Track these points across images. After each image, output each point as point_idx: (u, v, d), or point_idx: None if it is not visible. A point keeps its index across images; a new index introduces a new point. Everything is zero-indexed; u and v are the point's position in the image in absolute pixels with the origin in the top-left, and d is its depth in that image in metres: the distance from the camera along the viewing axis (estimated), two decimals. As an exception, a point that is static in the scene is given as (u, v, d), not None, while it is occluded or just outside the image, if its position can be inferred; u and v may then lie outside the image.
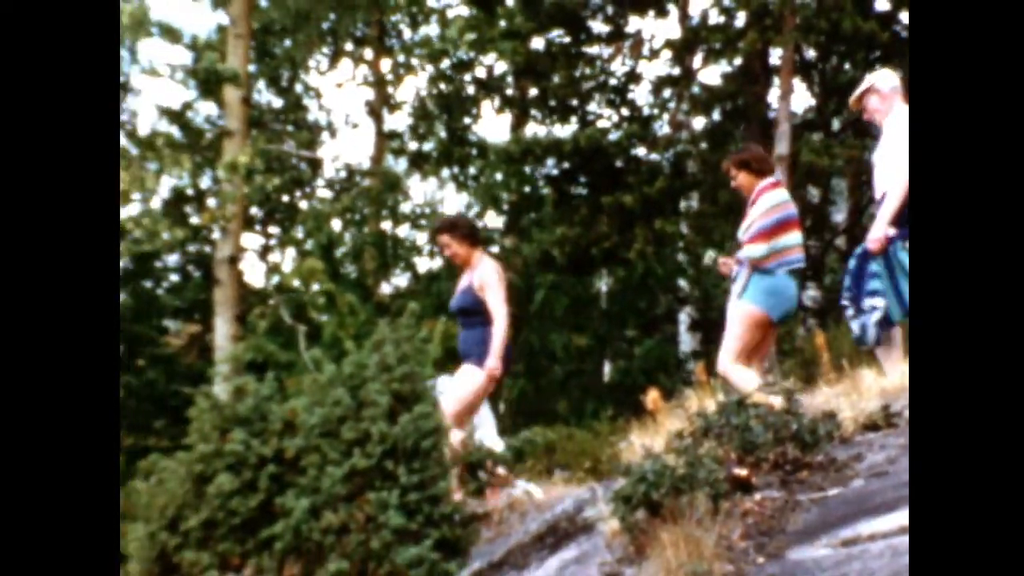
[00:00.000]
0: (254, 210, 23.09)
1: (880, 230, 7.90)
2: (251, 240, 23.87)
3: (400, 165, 25.64)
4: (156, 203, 19.12)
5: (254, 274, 24.60)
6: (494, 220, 21.33)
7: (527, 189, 19.80)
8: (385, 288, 22.74)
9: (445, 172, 24.45)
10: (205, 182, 21.75)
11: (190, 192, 22.19)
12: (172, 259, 22.38)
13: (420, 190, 28.11)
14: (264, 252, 25.25)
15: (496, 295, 8.52)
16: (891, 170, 8.11)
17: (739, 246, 8.42)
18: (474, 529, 4.94)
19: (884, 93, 8.63)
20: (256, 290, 23.20)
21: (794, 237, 8.42)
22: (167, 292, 22.69)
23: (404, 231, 23.74)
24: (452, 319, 16.96)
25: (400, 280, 23.54)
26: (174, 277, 22.90)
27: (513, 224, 21.07)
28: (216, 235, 18.60)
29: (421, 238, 23.58)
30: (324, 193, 25.47)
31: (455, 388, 8.46)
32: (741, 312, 8.17)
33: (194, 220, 22.14)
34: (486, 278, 8.67)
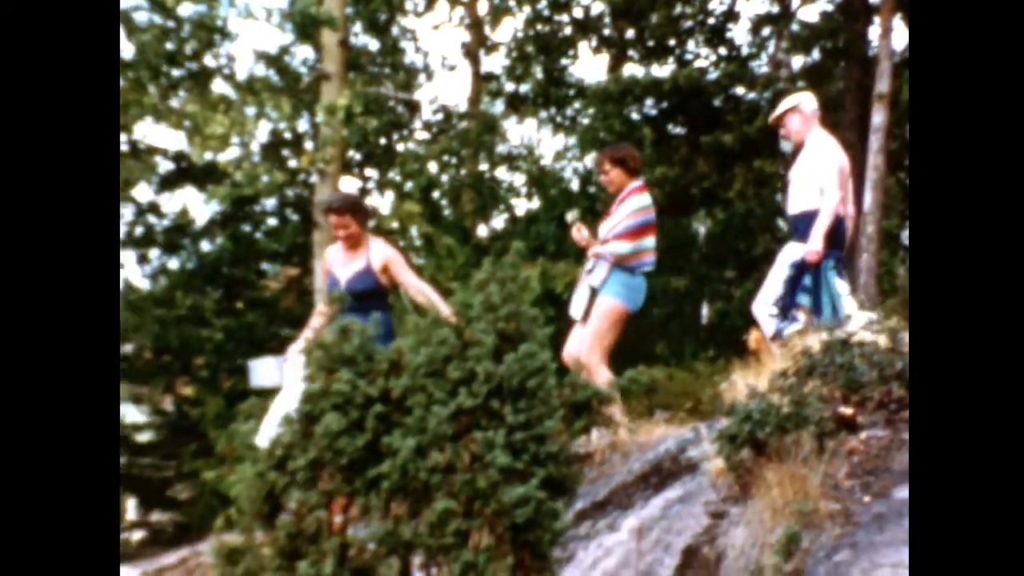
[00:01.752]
0: (352, 153, 23.14)
1: (818, 243, 8.43)
2: (349, 183, 23.95)
3: (497, 107, 25.55)
4: (255, 147, 19.24)
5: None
6: (591, 162, 21.24)
7: (625, 130, 19.63)
8: (482, 230, 22.75)
9: (542, 113, 24.34)
10: (303, 126, 21.82)
11: (288, 136, 22.28)
12: (270, 203, 22.53)
13: (517, 132, 28.07)
14: (362, 195, 25.32)
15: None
16: (821, 188, 8.68)
17: (602, 241, 8.88)
18: (579, 469, 4.93)
19: (806, 115, 9.17)
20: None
21: (652, 241, 8.90)
22: (266, 236, 22.86)
23: (501, 173, 23.69)
24: (550, 260, 16.98)
25: (497, 222, 23.55)
26: (272, 221, 23.05)
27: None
28: (314, 178, 18.71)
29: (519, 179, 23.53)
30: (422, 135, 25.46)
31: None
32: (607, 307, 8.73)
33: (292, 164, 22.29)
34: (390, 257, 8.73)
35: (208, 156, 18.27)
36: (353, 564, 4.53)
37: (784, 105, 9.31)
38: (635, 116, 20.83)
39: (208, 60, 19.14)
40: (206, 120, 16.78)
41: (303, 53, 23.12)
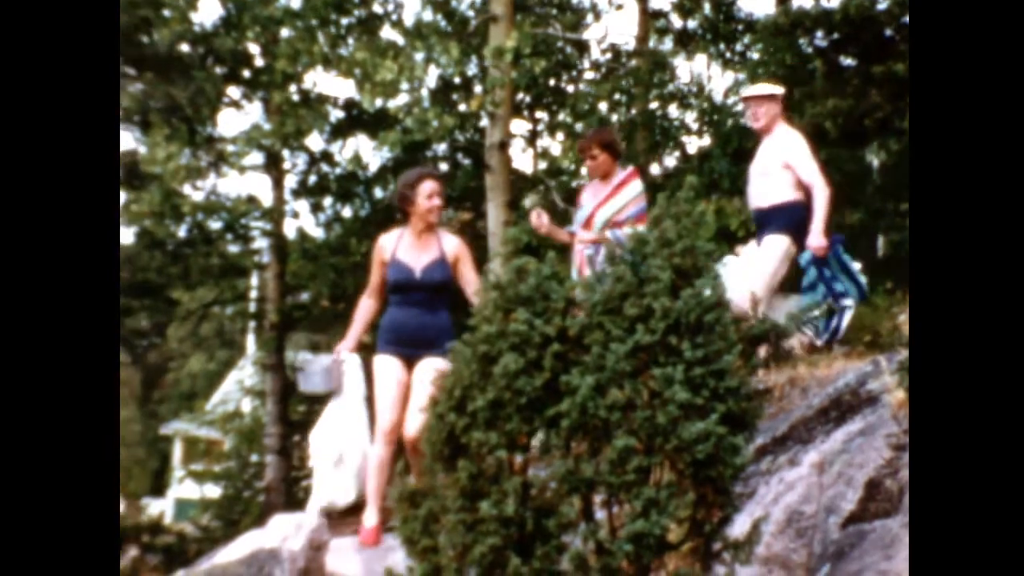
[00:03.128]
0: (521, 95, 23.13)
1: (821, 236, 8.40)
2: (519, 126, 23.98)
3: (665, 44, 25.30)
4: (424, 93, 19.33)
5: (523, 160, 24.76)
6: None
7: (796, 62, 19.27)
8: (655, 169, 22.62)
9: (711, 50, 24.04)
10: (472, 69, 21.87)
11: (457, 80, 22.35)
12: (442, 148, 22.67)
13: (686, 69, 27.73)
14: (532, 137, 25.34)
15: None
16: (798, 180, 8.66)
17: (612, 224, 8.87)
18: (759, 404, 4.88)
19: (779, 105, 9.06)
20: (526, 175, 23.35)
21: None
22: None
23: (672, 111, 23.47)
24: (725, 197, 16.80)
25: (670, 161, 23.37)
26: (444, 166, 23.21)
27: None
28: (485, 122, 18.75)
29: (689, 117, 23.30)
30: (591, 76, 25.32)
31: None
32: None
33: (462, 108, 22.38)
34: (462, 249, 8.05)
35: (378, 103, 18.41)
36: (535, 503, 4.56)
37: (760, 90, 9.12)
38: (805, 48, 20.42)
39: (376, 7, 19.30)
40: (375, 67, 16.91)
41: (470, -3, 23.18)
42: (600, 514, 4.66)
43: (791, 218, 8.55)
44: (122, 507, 27.17)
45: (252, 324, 27.59)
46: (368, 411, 8.14)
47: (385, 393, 7.69)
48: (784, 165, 8.68)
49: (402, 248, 7.89)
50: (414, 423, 7.37)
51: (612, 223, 8.81)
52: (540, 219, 9.11)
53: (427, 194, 7.81)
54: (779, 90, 9.15)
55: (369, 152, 25.99)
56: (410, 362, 7.76)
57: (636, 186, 8.93)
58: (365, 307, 8.16)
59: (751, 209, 9.13)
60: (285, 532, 7.11)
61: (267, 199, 22.74)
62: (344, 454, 7.99)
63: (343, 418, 8.10)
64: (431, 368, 6.79)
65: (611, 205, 8.93)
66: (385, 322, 7.94)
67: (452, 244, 7.94)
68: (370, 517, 7.57)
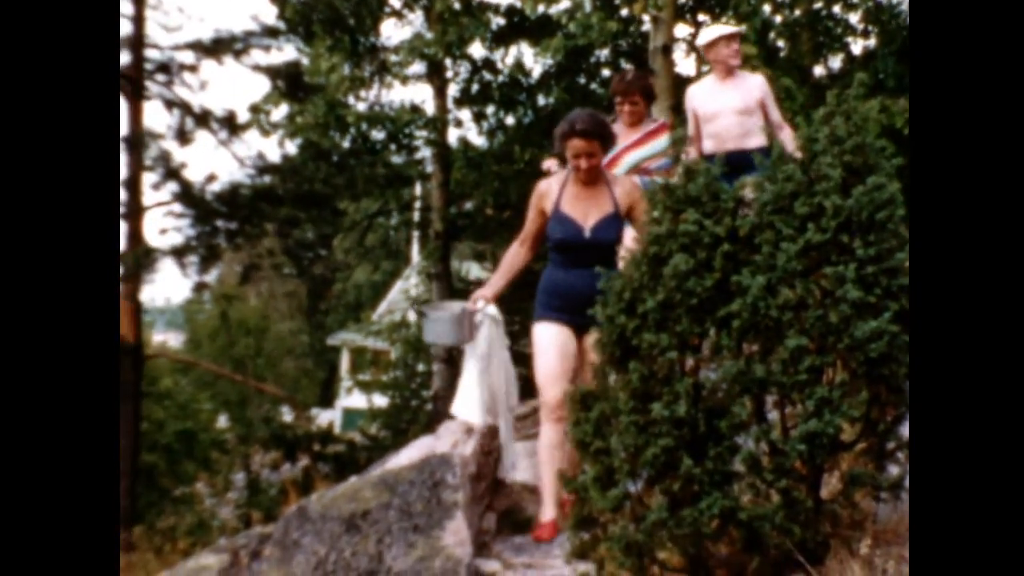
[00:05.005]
0: (683, -1, 22.84)
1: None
2: (682, 30, 23.70)
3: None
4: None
5: (686, 64, 24.49)
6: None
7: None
8: (819, 71, 22.20)
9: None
10: (633, -27, 21.64)
11: (619, -16, 22.16)
12: (604, 53, 22.50)
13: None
14: (694, 40, 25.04)
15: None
16: (778, 119, 8.62)
17: (641, 169, 8.49)
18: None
19: (739, 45, 8.81)
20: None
21: None
22: (601, 86, 22.88)
23: (837, 10, 22.97)
24: (889, 97, 16.46)
25: (834, 62, 22.91)
26: (606, 72, 23.05)
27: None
28: (647, 26, 18.58)
29: (854, 17, 22.78)
30: (754, -24, 24.89)
31: None
32: None
33: (624, 12, 22.19)
34: (638, 198, 6.71)
35: (540, 9, 18.36)
36: (706, 404, 4.57)
37: (723, 31, 8.75)
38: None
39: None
40: (537, -27, 16.90)
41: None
42: (772, 414, 4.66)
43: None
44: (291, 417, 27.88)
45: (417, 234, 27.94)
46: (509, 371, 7.14)
47: (550, 364, 6.65)
48: (759, 104, 8.48)
49: (567, 199, 6.76)
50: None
51: (640, 168, 8.60)
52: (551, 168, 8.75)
53: (573, 153, 6.67)
54: (737, 29, 8.95)
55: (531, 59, 25.89)
56: (579, 332, 6.68)
57: (667, 139, 8.68)
58: (514, 256, 7.03)
59: (723, 152, 8.24)
60: (456, 437, 7.19)
61: (430, 108, 22.87)
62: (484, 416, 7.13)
63: (478, 375, 7.10)
64: None
65: (642, 151, 8.69)
66: (546, 283, 6.87)
67: (625, 189, 6.74)
68: (547, 511, 6.63)
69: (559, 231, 6.69)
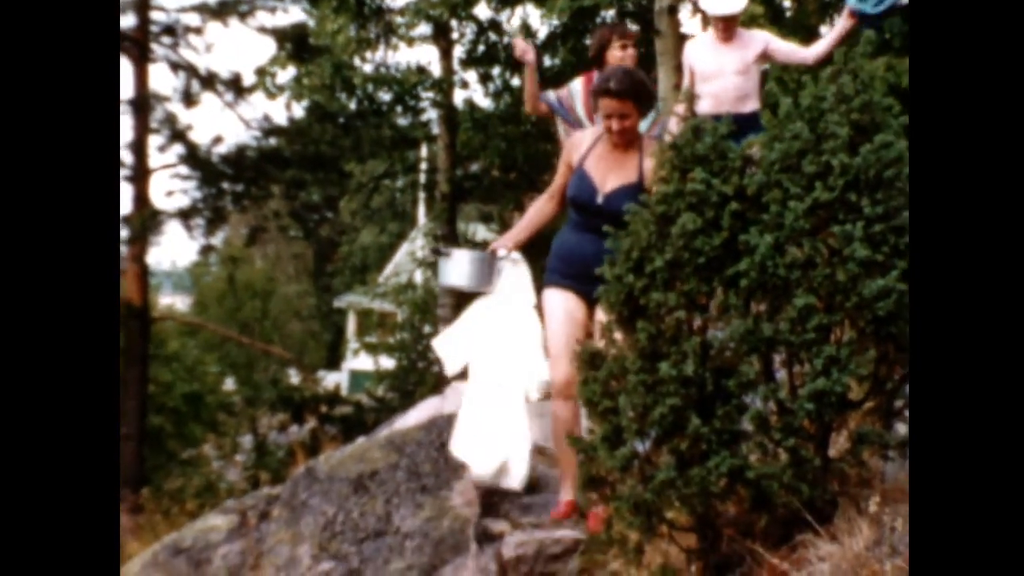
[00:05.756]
0: (688, -42, 22.73)
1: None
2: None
3: None
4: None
5: (692, 24, 24.38)
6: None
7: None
8: (824, 30, 22.11)
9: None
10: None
11: (625, -57, 22.06)
12: (609, 14, 22.42)
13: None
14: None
15: None
16: (790, 53, 8.40)
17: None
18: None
19: None
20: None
21: None
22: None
23: (843, -32, 22.88)
24: (895, 55, 16.41)
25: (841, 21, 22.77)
26: (611, 32, 22.96)
27: None
28: (653, -14, 18.51)
29: (861, -25, 22.67)
30: (757, -66, 24.74)
31: None
32: None
33: (629, -28, 22.10)
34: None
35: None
36: (714, 364, 4.58)
37: (738, 5, 8.56)
38: None
39: None
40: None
41: None
42: (780, 373, 4.66)
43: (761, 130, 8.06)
44: (298, 379, 27.94)
45: (423, 195, 27.89)
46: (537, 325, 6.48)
47: (557, 338, 6.17)
48: (759, 57, 8.34)
49: (593, 157, 6.22)
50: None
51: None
52: (524, 50, 8.11)
53: (605, 113, 6.09)
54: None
55: (537, 20, 25.79)
56: (589, 301, 6.01)
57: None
58: (539, 208, 6.59)
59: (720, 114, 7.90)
60: (463, 398, 7.21)
61: (436, 70, 22.82)
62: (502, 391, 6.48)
63: (495, 327, 6.52)
64: None
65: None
66: (556, 246, 6.38)
67: (650, 160, 5.88)
68: (566, 490, 6.25)
69: (574, 187, 6.21)
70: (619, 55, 7.77)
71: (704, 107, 8.11)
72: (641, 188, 5.81)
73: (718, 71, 8.25)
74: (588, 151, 6.23)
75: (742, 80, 8.14)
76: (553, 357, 6.16)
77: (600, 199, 6.07)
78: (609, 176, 6.12)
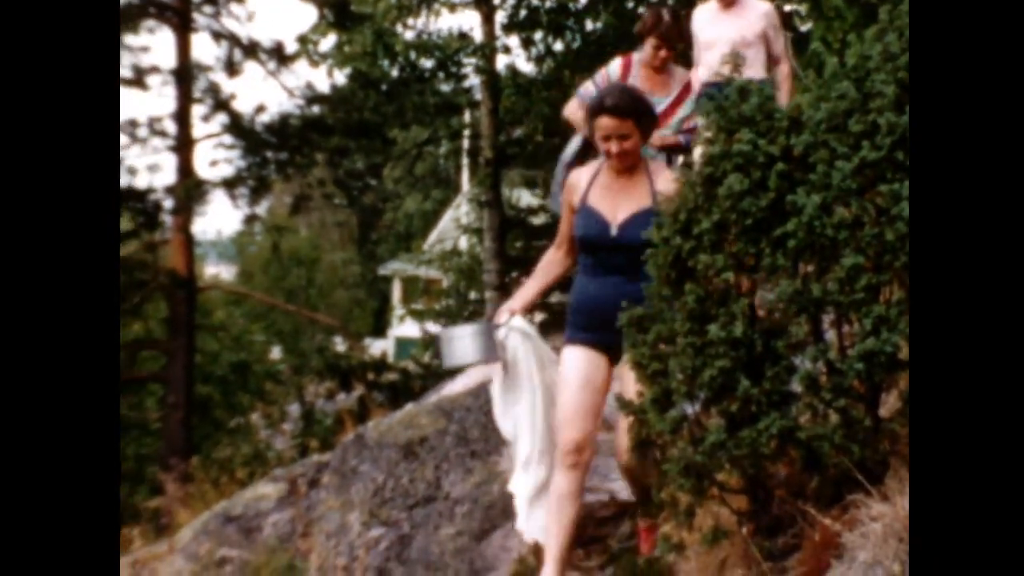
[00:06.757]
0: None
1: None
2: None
3: None
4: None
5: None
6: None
7: None
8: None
9: None
10: None
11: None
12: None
13: None
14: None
15: None
16: (780, 53, 8.36)
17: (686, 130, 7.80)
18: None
19: None
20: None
21: None
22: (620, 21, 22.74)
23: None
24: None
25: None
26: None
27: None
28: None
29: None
30: None
31: None
32: None
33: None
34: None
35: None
36: (763, 325, 4.57)
37: None
38: None
39: None
40: None
41: None
42: (829, 334, 4.64)
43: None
44: (345, 347, 28.05)
45: (467, 161, 27.91)
46: (543, 395, 5.97)
47: (568, 401, 5.64)
48: (760, 35, 8.17)
49: (596, 190, 5.69)
50: (623, 441, 5.51)
51: (684, 129, 7.79)
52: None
53: (603, 134, 5.56)
54: None
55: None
56: (610, 354, 5.65)
57: (692, 103, 7.80)
58: (549, 261, 6.03)
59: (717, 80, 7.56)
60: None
61: (478, 35, 22.79)
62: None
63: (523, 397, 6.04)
64: None
65: (683, 108, 7.82)
66: (572, 296, 5.83)
67: (669, 180, 5.37)
68: (547, 572, 5.49)
69: (583, 226, 5.66)
70: (650, 52, 7.71)
71: (702, 75, 8.01)
72: (656, 213, 5.01)
73: (715, 39, 8.16)
74: (589, 187, 5.72)
75: (743, 50, 8.00)
76: (561, 422, 5.64)
77: (614, 231, 5.59)
78: (620, 205, 5.62)
